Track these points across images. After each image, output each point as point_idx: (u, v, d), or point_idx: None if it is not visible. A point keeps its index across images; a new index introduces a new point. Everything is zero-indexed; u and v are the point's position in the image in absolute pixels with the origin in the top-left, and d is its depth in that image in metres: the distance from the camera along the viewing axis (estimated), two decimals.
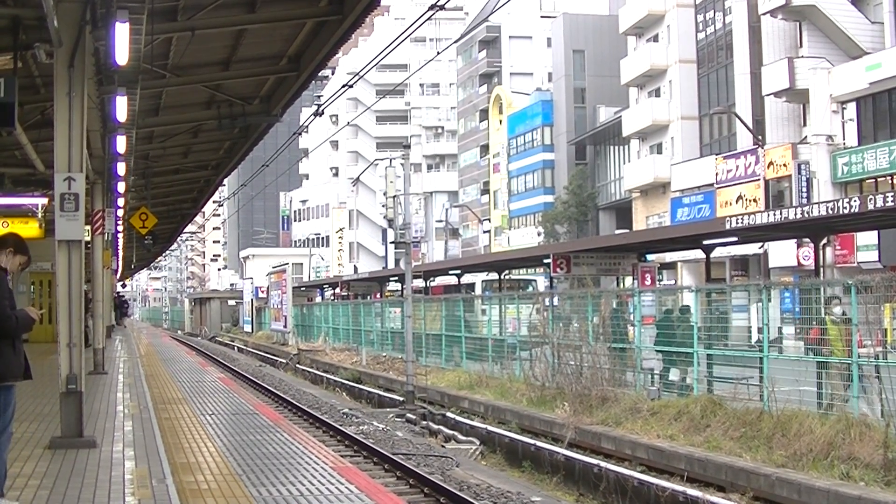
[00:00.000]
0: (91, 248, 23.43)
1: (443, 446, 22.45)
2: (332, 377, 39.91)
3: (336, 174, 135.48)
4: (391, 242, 42.14)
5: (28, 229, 25.66)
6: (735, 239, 26.35)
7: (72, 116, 12.52)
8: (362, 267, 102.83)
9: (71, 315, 12.54)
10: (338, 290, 67.99)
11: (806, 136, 47.72)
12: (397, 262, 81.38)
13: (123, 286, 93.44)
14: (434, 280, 53.34)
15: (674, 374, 21.88)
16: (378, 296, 59.88)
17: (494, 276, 44.76)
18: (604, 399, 21.42)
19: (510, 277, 47.52)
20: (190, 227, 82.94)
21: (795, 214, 20.60)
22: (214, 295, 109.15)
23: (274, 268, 71.25)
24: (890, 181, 40.83)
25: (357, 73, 22.41)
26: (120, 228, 36.19)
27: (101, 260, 24.82)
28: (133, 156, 24.70)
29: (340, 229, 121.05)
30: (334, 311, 55.51)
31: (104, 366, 24.44)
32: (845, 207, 18.51)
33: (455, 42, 32.11)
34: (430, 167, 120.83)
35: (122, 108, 17.15)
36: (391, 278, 58.53)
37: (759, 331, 19.09)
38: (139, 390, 20.78)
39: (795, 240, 39.40)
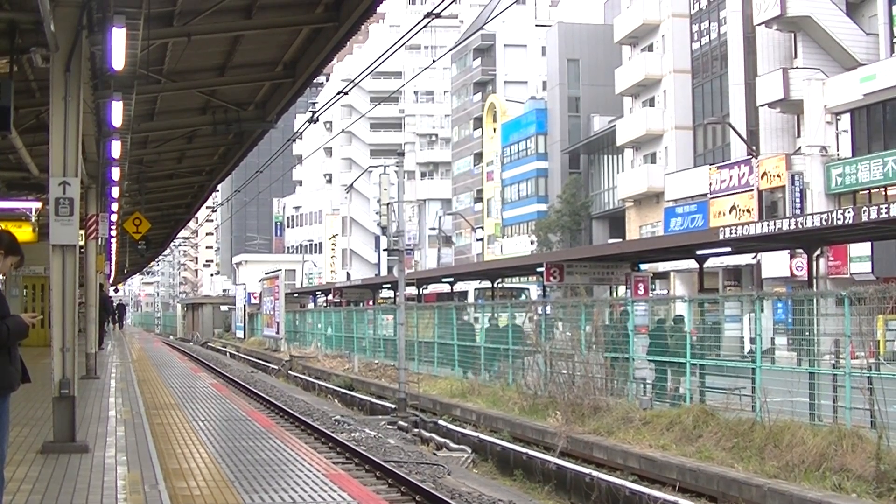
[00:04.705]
0: (84, 253, 23.42)
1: (434, 454, 22.42)
2: (323, 384, 39.86)
3: (330, 181, 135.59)
4: (384, 250, 42.23)
5: (22, 233, 25.60)
6: (728, 249, 26.37)
7: (67, 121, 12.51)
8: (355, 274, 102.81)
9: (65, 319, 12.53)
10: (330, 297, 67.94)
11: (800, 147, 47.85)
12: (390, 269, 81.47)
13: (116, 291, 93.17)
14: (427, 288, 53.33)
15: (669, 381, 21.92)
16: (371, 303, 59.86)
17: (487, 284, 44.79)
18: (596, 408, 21.42)
19: (503, 286, 47.54)
20: (183, 233, 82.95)
21: (789, 225, 20.62)
22: (207, 300, 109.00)
23: (267, 274, 71.11)
24: (884, 193, 40.93)
25: (352, 81, 22.42)
26: (113, 233, 36.13)
27: (95, 264, 24.79)
28: (127, 161, 24.65)
29: (333, 236, 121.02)
30: (327, 317, 55.47)
31: (96, 370, 24.41)
32: (839, 219, 18.53)
33: (450, 50, 32.15)
34: (423, 175, 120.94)
35: (117, 112, 17.12)
36: (384, 285, 58.50)
37: (752, 341, 19.10)
38: (131, 395, 20.76)
39: (789, 251, 39.48)
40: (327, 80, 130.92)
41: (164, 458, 13.18)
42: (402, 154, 34.11)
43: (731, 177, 50.85)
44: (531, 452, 20.54)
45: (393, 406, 29.60)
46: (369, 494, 12.14)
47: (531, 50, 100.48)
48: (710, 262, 32.40)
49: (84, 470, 11.33)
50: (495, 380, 28.41)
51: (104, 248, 34.18)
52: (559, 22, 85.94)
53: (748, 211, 48.70)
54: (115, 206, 31.18)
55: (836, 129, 44.86)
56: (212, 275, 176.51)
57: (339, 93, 22.39)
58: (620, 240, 62.06)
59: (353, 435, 23.80)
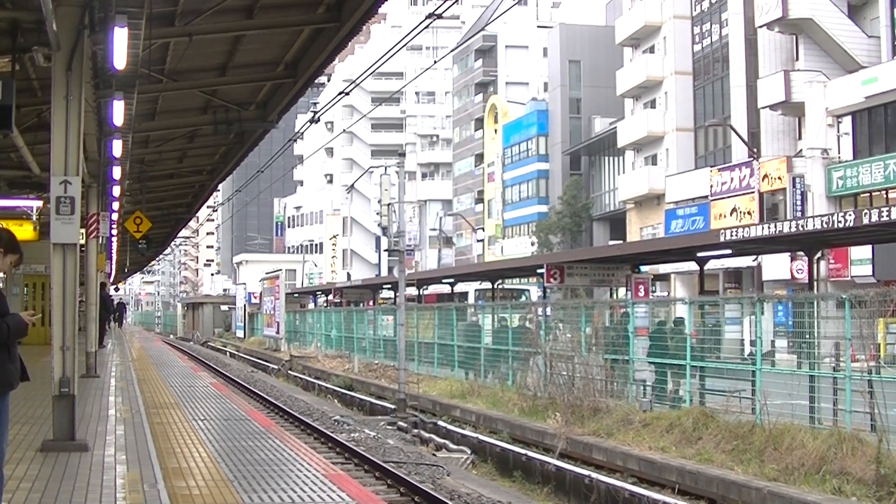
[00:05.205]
0: (85, 252, 23.42)
1: (434, 455, 22.41)
2: (323, 384, 39.86)
3: (330, 181, 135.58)
4: (385, 250, 42.27)
5: (23, 231, 25.63)
6: (729, 251, 26.34)
7: (69, 120, 12.52)
8: (355, 274, 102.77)
9: (65, 318, 12.53)
10: (331, 297, 67.95)
11: (801, 150, 47.84)
12: (390, 269, 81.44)
13: (116, 290, 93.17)
14: (427, 288, 53.32)
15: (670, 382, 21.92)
16: (371, 303, 59.84)
17: (488, 285, 44.78)
18: (596, 410, 21.42)
19: (503, 287, 47.52)
20: (184, 232, 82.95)
21: (790, 228, 20.61)
22: (207, 300, 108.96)
23: (267, 274, 71.12)
24: (885, 195, 40.90)
25: (353, 81, 22.43)
26: (114, 232, 36.14)
27: (96, 263, 24.79)
28: (129, 160, 24.66)
29: (334, 236, 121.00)
30: (327, 317, 55.46)
31: (96, 369, 24.41)
32: (840, 221, 18.51)
33: (451, 51, 32.09)
34: (424, 175, 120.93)
35: (118, 112, 17.14)
36: (384, 286, 58.47)
37: (752, 343, 19.09)
38: (131, 394, 20.77)
39: (789, 253, 39.44)
40: (329, 80, 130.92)
41: (163, 457, 13.18)
42: (403, 154, 34.08)
43: (731, 179, 50.84)
44: (530, 454, 20.54)
45: (392, 406, 29.59)
46: (368, 495, 12.14)
47: (532, 51, 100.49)
48: (711, 265, 32.42)
49: (83, 468, 11.34)
50: (498, 381, 28.35)
51: (105, 246, 34.18)
52: (561, 23, 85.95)
53: (749, 213, 48.68)
54: (115, 206, 31.20)
55: (838, 131, 44.85)
56: (212, 274, 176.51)
57: (340, 93, 22.40)
58: (621, 241, 62.08)
59: (352, 435, 23.80)
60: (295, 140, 32.82)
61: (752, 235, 21.57)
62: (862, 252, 39.97)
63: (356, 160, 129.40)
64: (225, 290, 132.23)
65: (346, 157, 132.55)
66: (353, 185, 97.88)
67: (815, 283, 26.61)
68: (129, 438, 13.87)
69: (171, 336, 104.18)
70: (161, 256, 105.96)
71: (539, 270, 32.36)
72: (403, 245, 31.94)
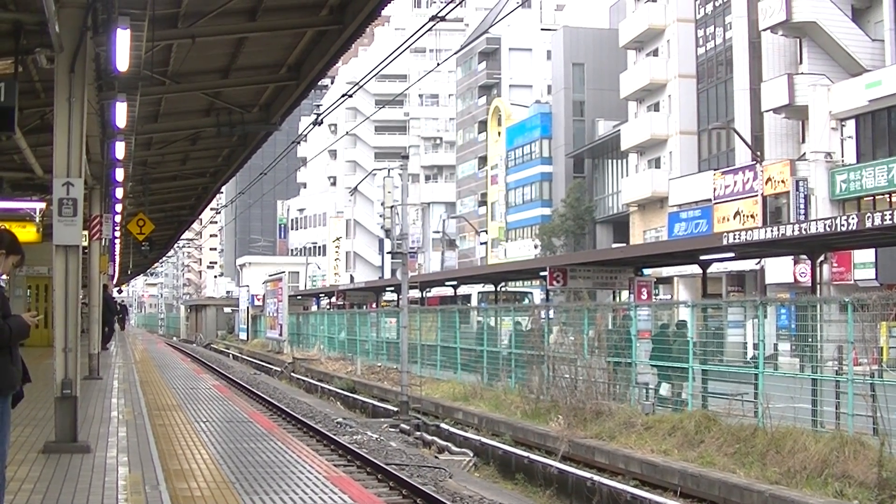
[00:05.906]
0: (88, 254, 23.42)
1: (436, 457, 22.40)
2: (326, 386, 39.84)
3: (334, 183, 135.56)
4: (388, 252, 42.16)
5: (26, 233, 25.61)
6: (732, 255, 26.36)
7: (71, 122, 12.52)
8: (359, 276, 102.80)
9: (67, 320, 12.53)
10: (334, 300, 67.96)
11: (804, 153, 47.80)
12: (393, 272, 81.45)
13: (120, 291, 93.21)
14: (430, 291, 53.35)
15: (664, 390, 21.91)
16: (374, 306, 59.85)
17: (491, 287, 44.78)
18: (598, 413, 21.40)
19: (506, 289, 47.53)
20: (187, 234, 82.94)
21: (793, 231, 20.61)
22: (210, 302, 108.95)
23: (270, 276, 71.14)
24: (888, 199, 40.86)
25: (356, 83, 22.44)
26: (117, 234, 36.16)
27: (98, 265, 24.78)
28: (131, 162, 24.68)
29: (337, 238, 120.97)
30: (330, 320, 55.46)
31: (99, 371, 24.40)
32: (843, 225, 18.52)
33: (455, 53, 32.08)
34: (428, 178, 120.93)
35: (121, 114, 17.15)
36: (387, 288, 58.51)
37: (755, 347, 19.08)
38: (134, 396, 20.76)
39: (792, 256, 39.40)
40: (332, 82, 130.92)
41: (165, 458, 13.18)
42: (406, 157, 34.09)
43: (735, 182, 50.78)
44: (533, 456, 20.53)
45: (395, 409, 29.59)
46: (370, 497, 12.13)
47: (536, 54, 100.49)
48: (714, 268, 32.41)
49: (85, 470, 11.34)
50: (501, 384, 28.29)
51: (108, 248, 34.18)
52: (564, 26, 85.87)
53: (752, 216, 48.62)
54: (118, 207, 31.20)
55: (841, 135, 44.79)
56: (215, 276, 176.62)
57: (343, 95, 22.40)
58: (624, 244, 62.06)
59: (354, 438, 23.80)
60: (298, 142, 32.77)
61: (756, 239, 21.58)
62: (865, 255, 39.93)
63: (359, 162, 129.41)
64: (228, 292, 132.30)
65: (350, 160, 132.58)
66: (356, 187, 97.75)
67: (818, 287, 26.63)
68: (131, 440, 13.87)
69: (175, 338, 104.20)
70: (164, 258, 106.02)
71: (542, 273, 32.37)
72: (406, 248, 31.90)
